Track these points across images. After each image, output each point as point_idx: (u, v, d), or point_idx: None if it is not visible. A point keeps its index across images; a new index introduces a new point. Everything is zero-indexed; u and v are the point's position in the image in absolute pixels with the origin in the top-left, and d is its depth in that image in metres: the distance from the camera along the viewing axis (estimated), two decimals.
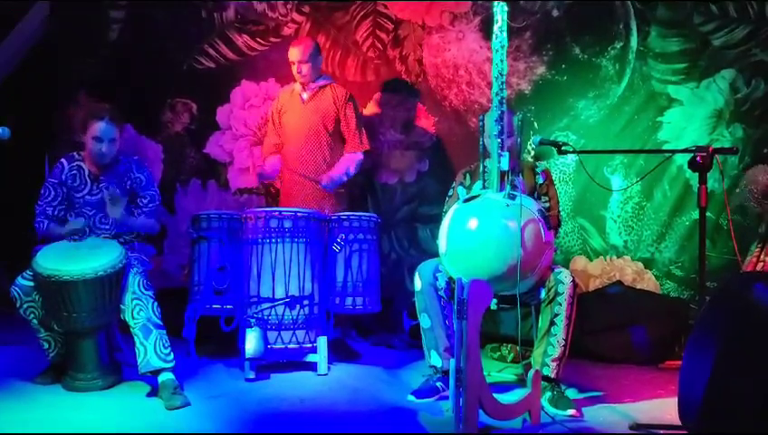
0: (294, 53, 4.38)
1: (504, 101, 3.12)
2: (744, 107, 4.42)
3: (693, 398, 2.30)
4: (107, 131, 3.62)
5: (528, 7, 4.75)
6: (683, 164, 4.29)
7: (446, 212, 3.39)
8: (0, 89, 5.30)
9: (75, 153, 3.77)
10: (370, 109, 5.00)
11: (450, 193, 3.70)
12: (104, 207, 3.65)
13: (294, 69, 4.40)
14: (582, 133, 4.66)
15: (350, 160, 4.45)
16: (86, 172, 3.72)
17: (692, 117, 4.50)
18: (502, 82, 3.11)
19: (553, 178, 4.58)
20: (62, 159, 3.76)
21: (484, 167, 3.34)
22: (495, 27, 3.10)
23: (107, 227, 3.68)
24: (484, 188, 3.30)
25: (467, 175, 3.67)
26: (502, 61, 3.11)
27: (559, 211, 3.65)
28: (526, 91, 4.75)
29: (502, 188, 3.15)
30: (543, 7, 4.73)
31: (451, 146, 4.88)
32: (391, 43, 5.00)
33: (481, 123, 3.41)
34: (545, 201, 3.51)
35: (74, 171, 3.71)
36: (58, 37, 5.38)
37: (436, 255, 3.35)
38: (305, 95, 4.47)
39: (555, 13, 4.72)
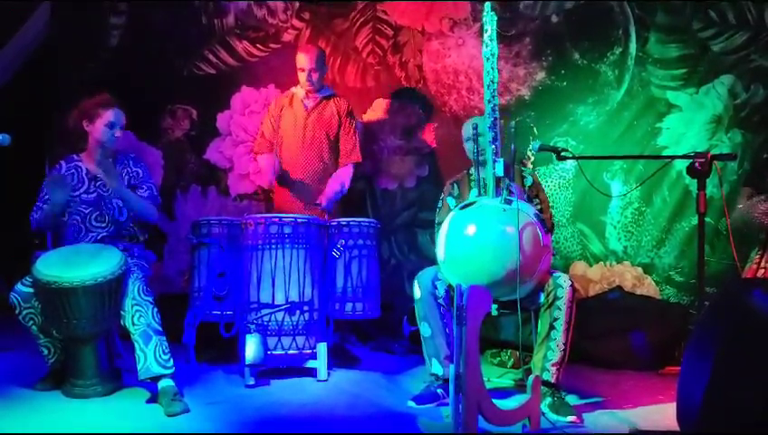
0: (305, 61, 4.37)
1: (497, 108, 3.17)
2: (743, 112, 4.43)
3: (691, 403, 2.30)
4: (120, 117, 3.69)
5: (527, 13, 4.76)
6: (682, 169, 4.28)
7: (439, 223, 3.40)
8: (0, 95, 5.32)
9: (74, 154, 3.78)
10: (370, 115, 5.01)
11: (440, 205, 3.71)
12: (100, 206, 3.65)
13: (304, 76, 4.38)
14: (582, 139, 4.67)
15: (343, 176, 4.43)
16: (84, 171, 3.72)
17: (691, 122, 4.50)
18: (494, 90, 3.19)
19: (552, 183, 4.63)
20: (62, 161, 3.77)
21: (478, 173, 3.35)
22: (485, 36, 3.21)
23: (103, 225, 3.68)
24: (479, 194, 3.31)
25: (455, 185, 3.69)
26: (493, 68, 3.23)
27: (551, 214, 3.66)
28: (526, 97, 4.76)
29: (498, 194, 3.17)
30: (543, 13, 4.74)
31: (451, 151, 4.87)
32: (391, 50, 5.01)
33: (473, 130, 3.40)
34: (536, 204, 3.51)
35: (72, 170, 3.72)
36: (58, 43, 5.39)
37: (435, 260, 3.36)
38: (308, 103, 4.46)
39: (555, 18, 4.74)
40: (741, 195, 4.01)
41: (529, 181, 3.59)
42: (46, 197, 3.60)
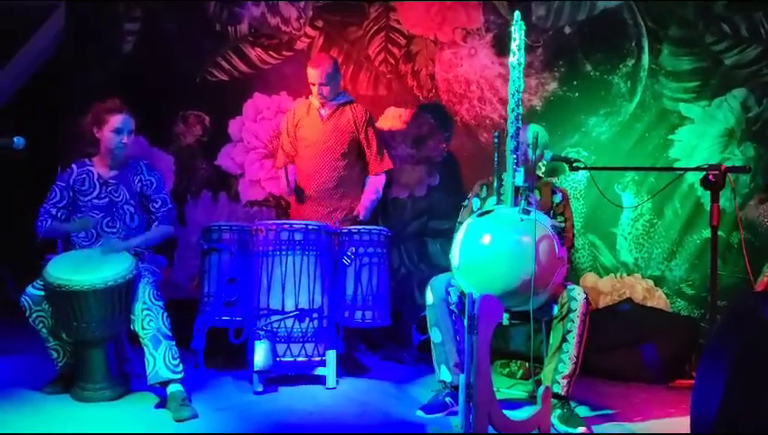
0: (314, 76, 4.38)
1: (520, 117, 3.16)
2: (755, 126, 4.41)
3: (706, 416, 2.28)
4: (127, 123, 3.69)
5: (540, 24, 4.76)
6: (694, 182, 4.28)
7: (460, 223, 3.39)
8: (14, 101, 5.34)
9: (86, 159, 3.80)
10: (381, 123, 5.00)
11: (465, 203, 3.69)
12: (111, 211, 3.66)
13: (315, 90, 4.41)
14: (593, 150, 4.66)
15: (377, 183, 4.53)
16: (95, 176, 3.73)
17: (703, 135, 4.49)
18: (518, 99, 3.15)
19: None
20: (73, 165, 3.79)
21: (500, 181, 3.34)
22: (513, 45, 3.16)
23: (114, 231, 3.68)
24: (498, 203, 3.30)
25: (484, 187, 3.65)
26: (518, 78, 3.16)
27: (573, 234, 3.63)
28: (538, 108, 4.76)
29: (516, 204, 3.16)
30: (556, 24, 4.74)
31: (462, 161, 4.88)
32: (403, 59, 5.02)
33: (497, 138, 3.40)
34: (560, 221, 3.49)
35: (83, 175, 3.73)
36: (72, 48, 5.42)
37: (445, 269, 3.35)
38: (324, 112, 4.47)
39: (567, 30, 4.74)
40: (753, 199, 4.03)
41: (558, 198, 3.57)
42: (75, 227, 3.59)
